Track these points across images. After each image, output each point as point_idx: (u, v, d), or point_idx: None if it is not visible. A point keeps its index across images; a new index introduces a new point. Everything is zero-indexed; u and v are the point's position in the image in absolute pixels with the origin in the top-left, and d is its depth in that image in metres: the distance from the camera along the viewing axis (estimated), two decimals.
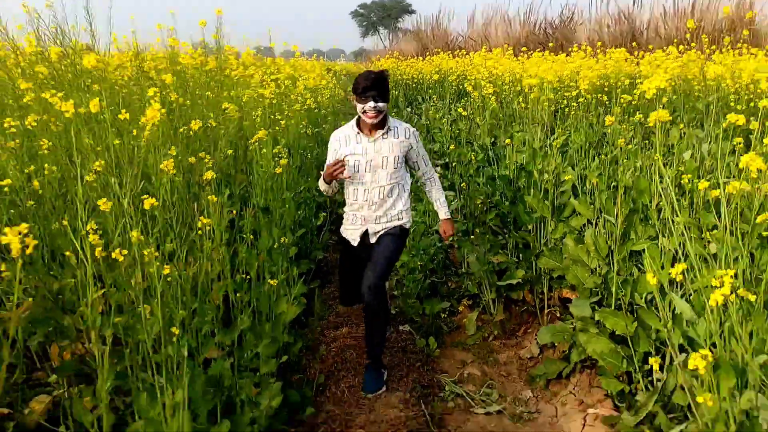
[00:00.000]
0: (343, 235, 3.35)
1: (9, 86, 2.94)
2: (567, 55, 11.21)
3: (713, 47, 10.32)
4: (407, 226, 3.31)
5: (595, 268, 3.25)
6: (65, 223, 2.16)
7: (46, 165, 2.40)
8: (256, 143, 3.34)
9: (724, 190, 2.05)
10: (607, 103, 5.69)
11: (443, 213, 3.44)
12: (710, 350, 1.67)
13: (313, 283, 3.92)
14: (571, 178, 3.56)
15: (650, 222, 3.00)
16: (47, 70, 2.75)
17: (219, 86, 3.95)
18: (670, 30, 18.54)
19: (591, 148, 4.32)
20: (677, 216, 2.22)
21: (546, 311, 3.85)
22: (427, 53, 24.20)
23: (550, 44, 18.37)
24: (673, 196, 2.17)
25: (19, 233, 1.38)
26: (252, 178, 3.40)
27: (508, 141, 4.23)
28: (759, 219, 1.95)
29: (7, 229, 1.39)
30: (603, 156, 3.79)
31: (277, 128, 4.58)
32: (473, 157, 4.35)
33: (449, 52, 19.08)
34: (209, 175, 2.45)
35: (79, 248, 1.69)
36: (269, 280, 2.69)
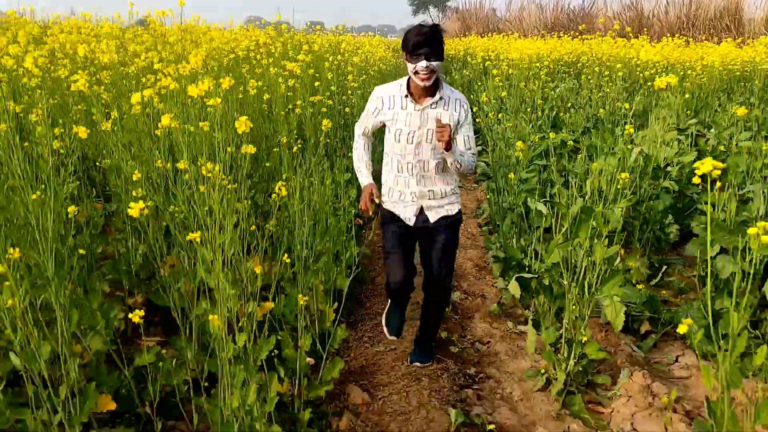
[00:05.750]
0: (393, 210, 2.92)
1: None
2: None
3: (694, 39, 14.20)
4: (457, 209, 2.91)
5: None
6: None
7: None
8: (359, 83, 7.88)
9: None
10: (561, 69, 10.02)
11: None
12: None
13: None
14: (505, 95, 7.98)
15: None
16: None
17: (342, 53, 8.53)
18: (672, 18, 21.99)
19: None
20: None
21: None
22: (469, 33, 28.27)
23: (581, 27, 22.20)
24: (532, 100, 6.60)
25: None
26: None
27: (480, 84, 8.68)
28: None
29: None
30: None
31: (366, 77, 9.15)
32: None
33: (488, 33, 23.16)
34: (356, 84, 7.00)
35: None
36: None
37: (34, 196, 1.90)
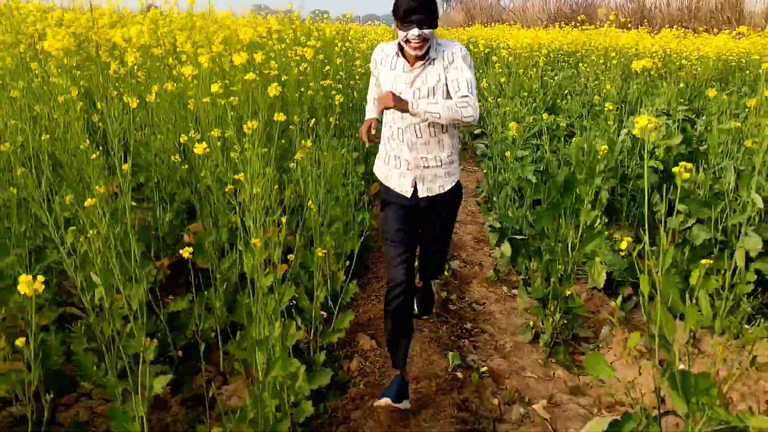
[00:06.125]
0: (387, 184, 2.76)
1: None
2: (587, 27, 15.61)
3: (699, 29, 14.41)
4: (456, 179, 2.72)
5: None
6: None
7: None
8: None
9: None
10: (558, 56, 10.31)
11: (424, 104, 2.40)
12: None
13: None
14: (504, 81, 8.29)
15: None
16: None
17: (350, 40, 8.85)
18: (673, 10, 22.17)
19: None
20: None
21: None
22: (473, 24, 28.48)
23: (579, 17, 22.39)
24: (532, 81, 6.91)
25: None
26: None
27: (482, 71, 8.98)
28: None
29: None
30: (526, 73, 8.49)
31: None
32: None
33: (492, 23, 23.46)
34: (362, 70, 7.32)
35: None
36: None
37: (94, 156, 2.24)
